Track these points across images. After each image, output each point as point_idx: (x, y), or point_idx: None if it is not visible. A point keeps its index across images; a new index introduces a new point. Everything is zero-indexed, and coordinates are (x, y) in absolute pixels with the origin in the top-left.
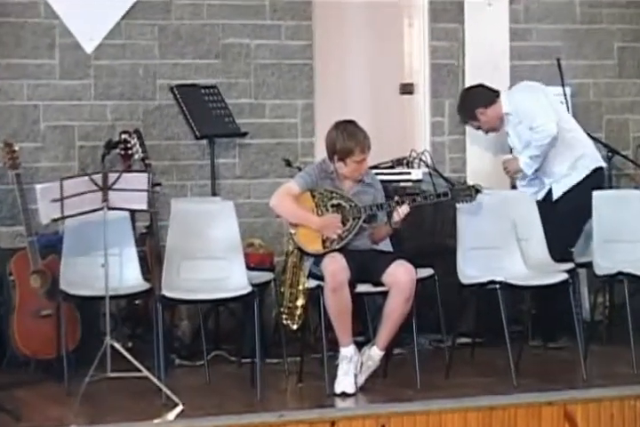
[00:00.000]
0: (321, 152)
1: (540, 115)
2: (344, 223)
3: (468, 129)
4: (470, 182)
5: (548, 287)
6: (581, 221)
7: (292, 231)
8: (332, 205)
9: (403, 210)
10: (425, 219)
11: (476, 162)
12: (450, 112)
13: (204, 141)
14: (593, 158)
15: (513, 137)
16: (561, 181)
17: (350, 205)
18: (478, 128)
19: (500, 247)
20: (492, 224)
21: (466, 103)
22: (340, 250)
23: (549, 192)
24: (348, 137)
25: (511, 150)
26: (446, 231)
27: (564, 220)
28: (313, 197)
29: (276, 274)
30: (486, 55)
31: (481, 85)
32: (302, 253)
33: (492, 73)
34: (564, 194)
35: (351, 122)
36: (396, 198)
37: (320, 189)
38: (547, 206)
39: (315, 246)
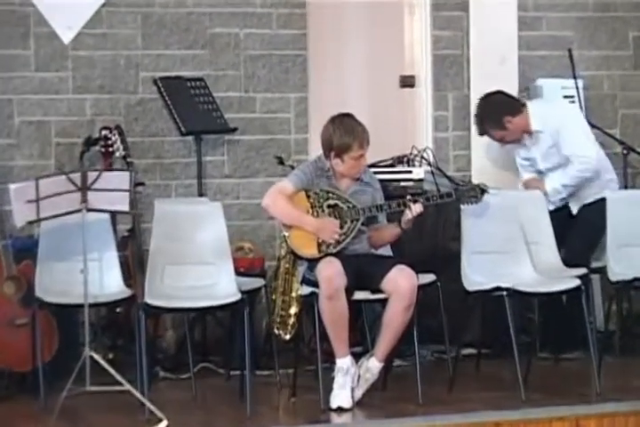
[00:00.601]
0: (315, 149)
1: (584, 146)
2: (341, 226)
3: (474, 125)
4: (475, 182)
5: (559, 294)
6: (600, 235)
7: (286, 234)
8: (329, 206)
9: (417, 208)
10: (427, 221)
11: (482, 160)
12: (454, 106)
13: (190, 138)
14: (618, 183)
15: (537, 155)
16: (582, 199)
17: (348, 206)
18: (499, 140)
19: (508, 251)
20: (498, 226)
21: (490, 110)
22: (336, 254)
23: (565, 206)
24: (345, 131)
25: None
26: (450, 234)
27: (583, 232)
28: (308, 197)
29: (268, 280)
30: (492, 45)
31: (500, 92)
32: (296, 257)
33: (499, 64)
34: (584, 206)
35: (348, 115)
36: (409, 197)
37: (315, 189)
38: (560, 218)
39: (310, 250)
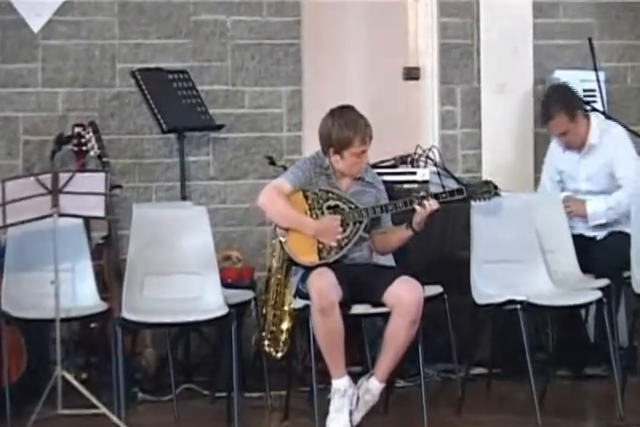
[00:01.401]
0: (310, 148)
1: (638, 170)
2: (343, 229)
3: (485, 121)
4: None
5: (579, 308)
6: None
7: (282, 239)
8: (329, 207)
9: (432, 205)
10: (433, 227)
11: (494, 160)
12: (462, 100)
13: (172, 136)
14: None
15: (580, 172)
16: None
17: (350, 208)
18: (562, 133)
19: (522, 260)
20: (512, 233)
21: (568, 98)
22: (332, 264)
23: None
24: (345, 125)
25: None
26: (458, 242)
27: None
28: (306, 197)
29: (258, 292)
30: (505, 34)
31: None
32: (294, 264)
33: (513, 55)
34: (613, 234)
35: (349, 107)
36: (422, 193)
37: (314, 189)
38: (582, 244)
39: (309, 257)
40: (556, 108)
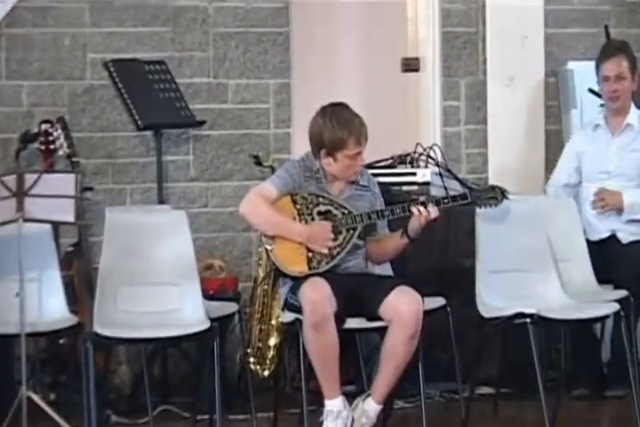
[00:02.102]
0: (300, 146)
1: None
2: (335, 236)
3: (491, 117)
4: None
5: (595, 322)
6: None
7: (268, 247)
8: (320, 213)
9: (432, 211)
10: (435, 234)
11: (501, 159)
12: (467, 94)
13: (149, 133)
14: None
15: (610, 154)
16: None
17: (343, 213)
18: (618, 78)
19: (532, 270)
20: (521, 240)
21: (634, 56)
22: (325, 274)
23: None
24: (338, 124)
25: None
26: (462, 249)
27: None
28: (294, 202)
29: (242, 305)
30: (514, 21)
31: None
32: (281, 275)
33: (522, 44)
34: None
35: (342, 105)
36: (422, 199)
37: (303, 193)
38: (607, 250)
39: (298, 267)
40: (622, 51)
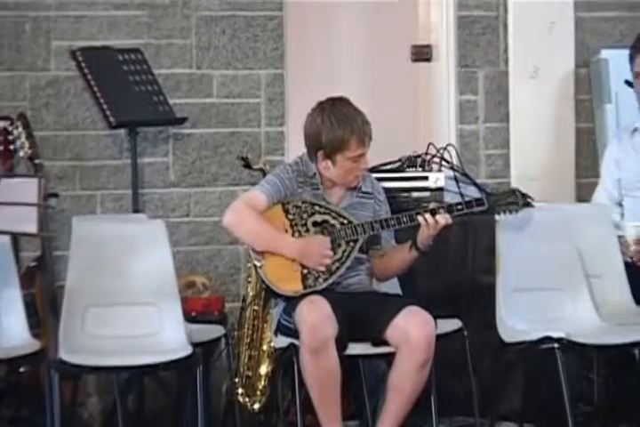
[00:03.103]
0: (295, 148)
1: None
2: (334, 249)
3: (514, 113)
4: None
5: (632, 347)
6: None
7: (257, 264)
8: (315, 224)
9: (441, 220)
10: (449, 246)
11: (526, 161)
12: (486, 88)
13: (122, 132)
14: None
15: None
16: None
17: (342, 223)
18: None
19: (561, 288)
20: (547, 253)
21: None
22: (323, 292)
23: None
24: (338, 122)
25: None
26: (480, 264)
27: None
28: (286, 212)
29: (229, 328)
30: (540, 5)
31: None
32: (272, 295)
33: (549, 30)
34: None
35: (343, 100)
36: (431, 205)
37: (296, 201)
38: None
39: (291, 285)
40: None
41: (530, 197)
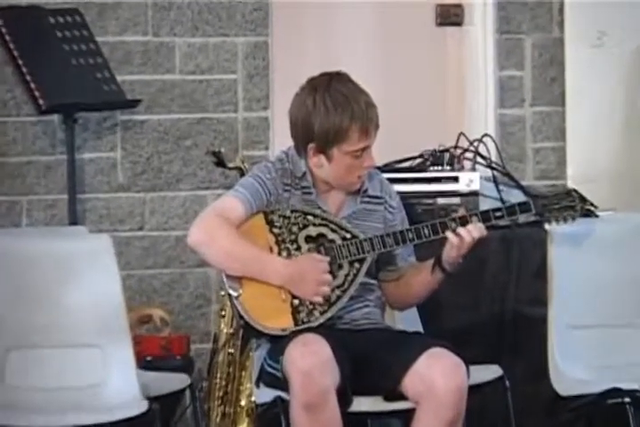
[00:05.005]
0: (282, 138)
1: None
2: (333, 273)
3: (571, 94)
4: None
5: None
6: None
7: (233, 293)
8: (309, 239)
9: (473, 231)
10: (484, 266)
11: (587, 158)
12: (535, 60)
13: (55, 118)
14: None
15: None
16: None
17: (344, 238)
18: None
19: (632, 324)
20: (615, 279)
21: None
22: (321, 328)
23: None
24: (335, 106)
25: None
26: (526, 292)
27: None
28: (270, 224)
29: (197, 377)
30: None
31: None
32: (253, 333)
33: None
34: None
35: (341, 76)
36: (460, 212)
37: (283, 210)
38: None
39: (279, 321)
40: None
41: (592, 203)
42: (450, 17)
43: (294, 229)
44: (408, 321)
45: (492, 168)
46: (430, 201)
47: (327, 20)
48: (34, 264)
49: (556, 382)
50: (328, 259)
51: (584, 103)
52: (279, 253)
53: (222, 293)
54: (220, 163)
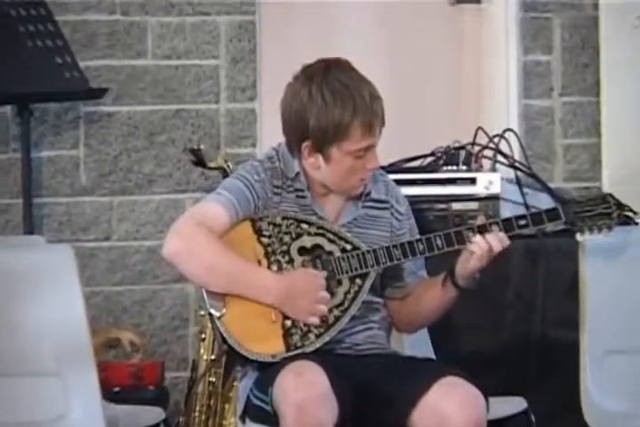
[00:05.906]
0: (272, 134)
1: None
2: (331, 290)
3: (608, 82)
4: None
5: None
6: None
7: (215, 313)
8: (303, 251)
9: (493, 242)
10: (505, 284)
11: (625, 157)
12: (565, 42)
13: (8, 110)
14: None
15: None
16: None
17: (344, 249)
18: None
19: None
20: None
21: None
22: (317, 354)
23: None
24: (334, 98)
25: None
26: (554, 312)
27: None
28: (258, 233)
29: (172, 410)
30: None
31: None
32: (238, 360)
33: None
34: None
35: (341, 63)
36: (479, 220)
37: (273, 217)
38: None
39: (268, 346)
40: None
41: (631, 209)
42: None
43: (286, 238)
44: (418, 345)
45: (515, 168)
46: (444, 206)
47: None
48: None
49: (589, 415)
50: (325, 274)
51: (622, 93)
52: (269, 267)
53: (202, 312)
54: (200, 162)
